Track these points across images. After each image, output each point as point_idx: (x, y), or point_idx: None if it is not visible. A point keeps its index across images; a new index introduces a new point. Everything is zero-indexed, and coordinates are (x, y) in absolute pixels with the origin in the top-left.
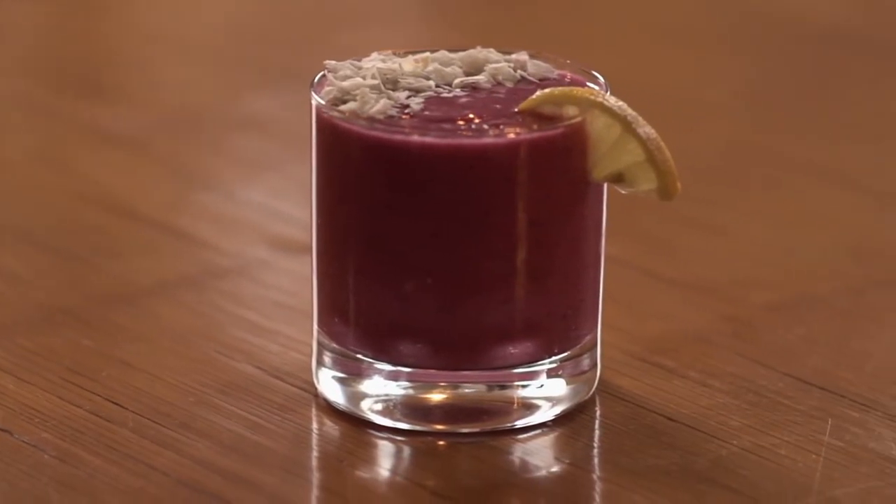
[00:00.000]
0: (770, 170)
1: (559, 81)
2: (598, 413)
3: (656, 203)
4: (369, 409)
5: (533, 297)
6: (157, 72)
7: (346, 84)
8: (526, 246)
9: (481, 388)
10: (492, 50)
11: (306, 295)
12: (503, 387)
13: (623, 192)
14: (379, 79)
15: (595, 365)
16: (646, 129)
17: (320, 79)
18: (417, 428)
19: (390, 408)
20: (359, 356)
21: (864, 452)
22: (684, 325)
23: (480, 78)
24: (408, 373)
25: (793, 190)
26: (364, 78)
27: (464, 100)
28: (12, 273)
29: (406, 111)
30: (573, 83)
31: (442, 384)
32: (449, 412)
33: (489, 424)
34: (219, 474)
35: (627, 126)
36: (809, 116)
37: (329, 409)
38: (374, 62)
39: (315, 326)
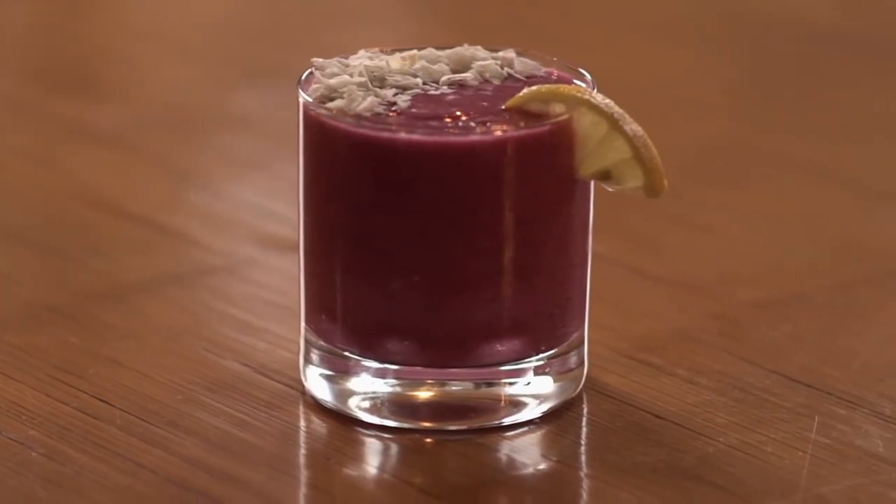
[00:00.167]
0: (757, 167)
1: (546, 79)
2: (585, 410)
3: (643, 201)
4: (356, 407)
5: (520, 295)
6: (145, 70)
7: (333, 82)
8: (513, 244)
9: (468, 385)
10: (479, 47)
11: (294, 293)
12: (490, 384)
13: (610, 189)
14: (366, 76)
15: (582, 362)
16: (632, 127)
17: (308, 76)
18: (405, 425)
19: (377, 405)
20: (346, 354)
21: (850, 449)
22: (671, 323)
23: (467, 75)
24: (395, 370)
25: (780, 188)
26: (351, 75)
27: (451, 97)
28: (0, 271)
29: (393, 109)
30: (560, 81)
31: (429, 382)
32: (436, 410)
33: (476, 422)
34: (206, 472)
35: (614, 123)
36: (797, 114)
37: (316, 406)
38: (362, 60)
39: (303, 324)
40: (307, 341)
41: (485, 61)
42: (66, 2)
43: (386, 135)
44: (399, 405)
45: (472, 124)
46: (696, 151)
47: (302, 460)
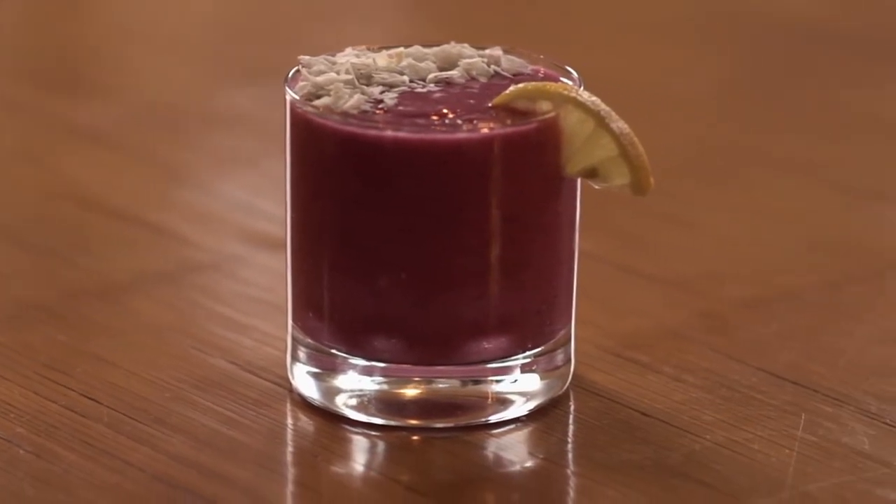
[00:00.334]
0: (744, 165)
1: (533, 76)
2: (571, 408)
3: (630, 198)
4: (343, 404)
5: (507, 293)
6: (133, 67)
7: (320, 79)
8: (500, 241)
9: (455, 383)
10: (466, 45)
11: (282, 290)
12: (477, 382)
13: (596, 187)
14: (353, 74)
15: (569, 360)
16: (619, 125)
17: (294, 74)
18: (392, 423)
19: (364, 403)
20: (333, 351)
21: (836, 447)
22: (658, 321)
23: (454, 73)
24: (382, 368)
25: (767, 185)
26: (338, 73)
27: (437, 95)
28: None
29: (380, 106)
30: (547, 78)
31: (416, 379)
32: (423, 407)
33: (463, 419)
34: (194, 469)
35: (601, 121)
36: (784, 112)
37: (303, 404)
38: (349, 57)
39: (290, 321)
40: (294, 339)
41: (471, 59)
42: (55, 1)
43: (373, 132)
44: (386, 403)
45: (459, 122)
46: (683, 149)
47: (289, 458)
